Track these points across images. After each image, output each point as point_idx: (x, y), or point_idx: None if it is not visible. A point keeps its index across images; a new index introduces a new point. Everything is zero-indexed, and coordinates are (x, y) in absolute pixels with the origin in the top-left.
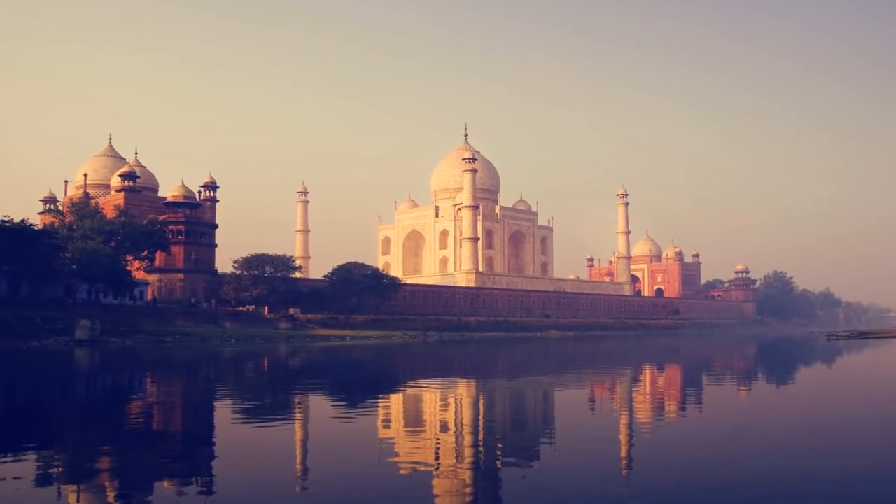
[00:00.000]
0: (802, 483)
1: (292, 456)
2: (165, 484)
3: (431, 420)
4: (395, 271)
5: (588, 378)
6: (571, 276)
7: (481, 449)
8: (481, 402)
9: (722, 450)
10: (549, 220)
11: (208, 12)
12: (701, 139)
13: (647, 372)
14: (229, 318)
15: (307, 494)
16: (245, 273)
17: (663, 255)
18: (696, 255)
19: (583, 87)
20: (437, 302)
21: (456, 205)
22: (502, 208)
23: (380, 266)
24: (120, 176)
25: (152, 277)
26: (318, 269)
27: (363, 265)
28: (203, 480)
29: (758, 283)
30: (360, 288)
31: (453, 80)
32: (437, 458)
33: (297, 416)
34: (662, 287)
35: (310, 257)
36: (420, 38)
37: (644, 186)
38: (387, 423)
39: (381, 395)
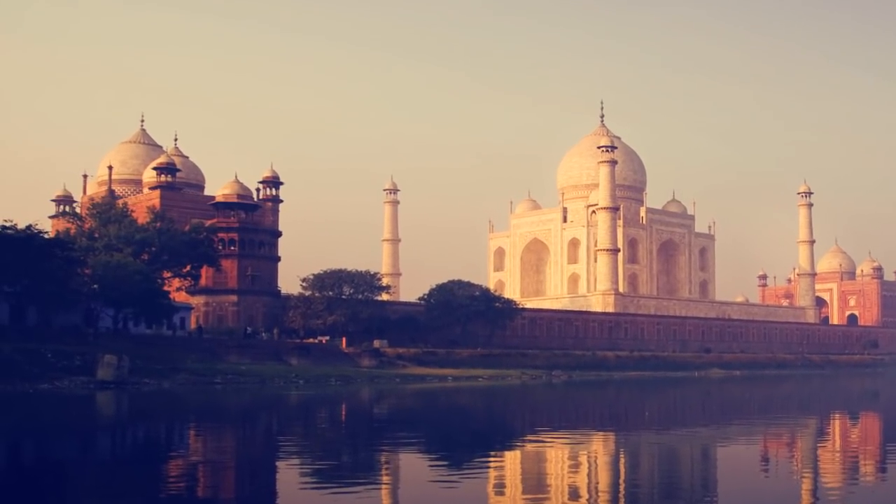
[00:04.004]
0: None
1: None
2: None
3: (557, 484)
4: (511, 292)
5: (760, 430)
6: (738, 299)
7: None
8: (622, 461)
9: None
10: (709, 227)
11: None
12: None
13: (837, 422)
14: (296, 352)
15: None
16: (317, 294)
17: (857, 272)
18: None
19: (753, 55)
20: (565, 332)
21: (589, 206)
22: (649, 211)
23: (490, 285)
24: (155, 169)
25: (196, 300)
26: (410, 289)
27: (469, 284)
28: None
29: None
30: (465, 314)
31: (584, 45)
32: None
33: (385, 478)
34: (856, 312)
35: (400, 274)
36: None
37: (833, 183)
38: (500, 488)
39: (492, 453)
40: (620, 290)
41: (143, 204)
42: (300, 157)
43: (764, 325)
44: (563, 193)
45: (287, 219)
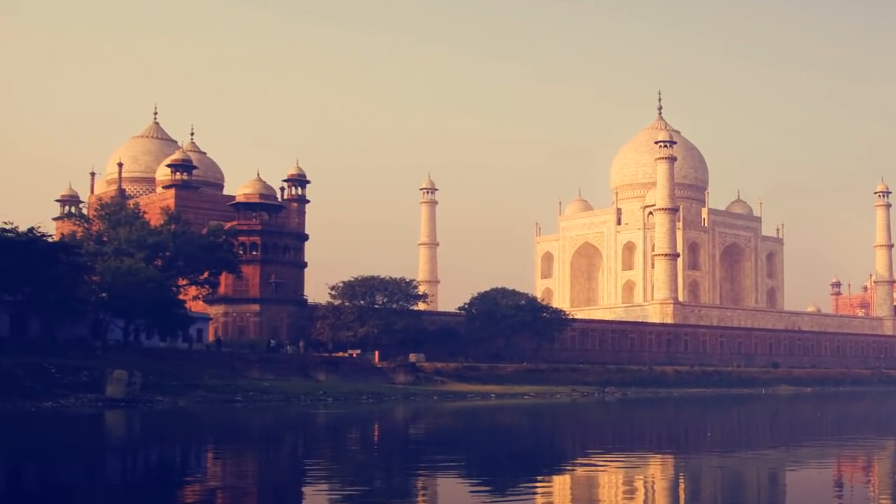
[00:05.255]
0: None
1: None
2: None
3: None
4: (560, 301)
5: (833, 453)
6: (810, 309)
7: None
8: (682, 486)
9: None
10: (777, 230)
11: None
12: None
13: None
14: (324, 367)
15: None
16: (347, 304)
17: None
18: None
19: (825, 42)
20: (620, 345)
21: (646, 207)
22: (711, 212)
23: (538, 294)
24: (169, 166)
25: (215, 310)
26: (449, 298)
27: (514, 293)
28: None
29: None
30: (509, 325)
31: (640, 31)
32: None
33: None
34: None
35: (438, 282)
36: None
37: None
38: None
39: (539, 477)
40: (680, 298)
41: (157, 204)
42: (328, 154)
43: (837, 337)
44: (616, 193)
45: (314, 221)
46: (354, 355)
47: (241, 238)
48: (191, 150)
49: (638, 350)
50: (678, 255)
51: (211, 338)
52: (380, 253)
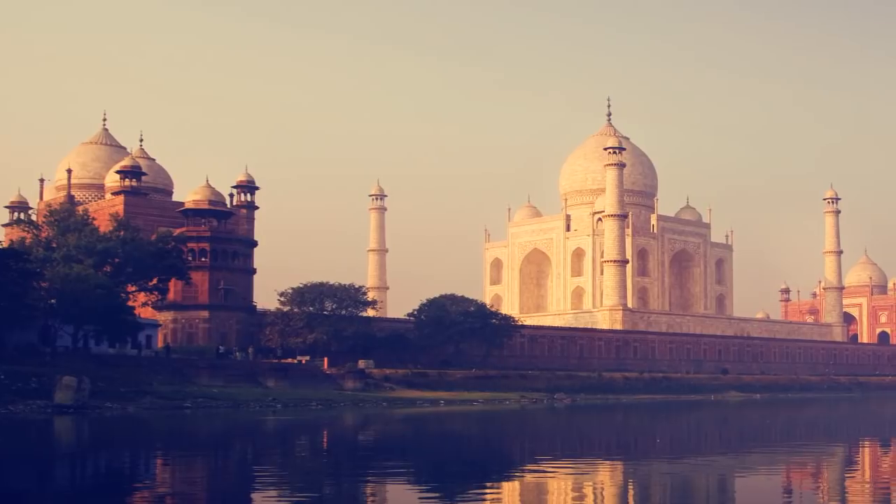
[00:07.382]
0: None
1: None
2: None
3: None
4: (509, 308)
5: (782, 459)
6: (759, 315)
7: None
8: (631, 492)
9: None
10: (726, 236)
11: None
12: None
13: (866, 451)
14: (273, 373)
15: None
16: (296, 310)
17: (889, 285)
18: None
19: (774, 49)
20: (569, 351)
21: (595, 213)
22: (660, 218)
23: (487, 300)
24: (118, 172)
25: (164, 316)
26: (398, 304)
27: (463, 299)
28: None
29: None
30: (458, 331)
31: (589, 37)
32: None
33: None
34: (888, 330)
35: (388, 288)
36: None
37: (862, 188)
38: None
39: (488, 484)
40: (629, 305)
41: (106, 211)
42: (278, 160)
43: (786, 343)
44: (566, 199)
45: (263, 227)
46: (303, 362)
47: (190, 244)
48: (140, 157)
49: (587, 356)
50: (627, 262)
51: (160, 344)
52: (329, 259)
